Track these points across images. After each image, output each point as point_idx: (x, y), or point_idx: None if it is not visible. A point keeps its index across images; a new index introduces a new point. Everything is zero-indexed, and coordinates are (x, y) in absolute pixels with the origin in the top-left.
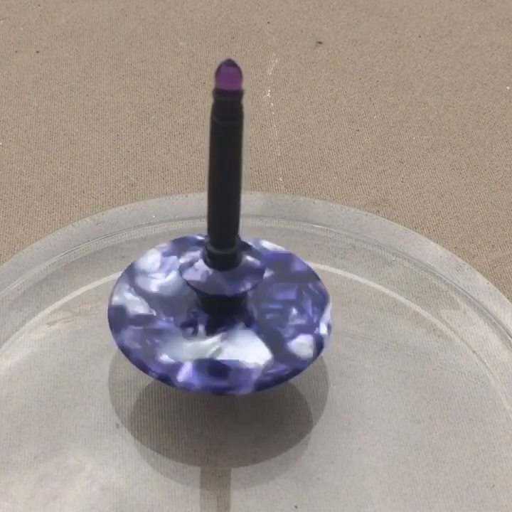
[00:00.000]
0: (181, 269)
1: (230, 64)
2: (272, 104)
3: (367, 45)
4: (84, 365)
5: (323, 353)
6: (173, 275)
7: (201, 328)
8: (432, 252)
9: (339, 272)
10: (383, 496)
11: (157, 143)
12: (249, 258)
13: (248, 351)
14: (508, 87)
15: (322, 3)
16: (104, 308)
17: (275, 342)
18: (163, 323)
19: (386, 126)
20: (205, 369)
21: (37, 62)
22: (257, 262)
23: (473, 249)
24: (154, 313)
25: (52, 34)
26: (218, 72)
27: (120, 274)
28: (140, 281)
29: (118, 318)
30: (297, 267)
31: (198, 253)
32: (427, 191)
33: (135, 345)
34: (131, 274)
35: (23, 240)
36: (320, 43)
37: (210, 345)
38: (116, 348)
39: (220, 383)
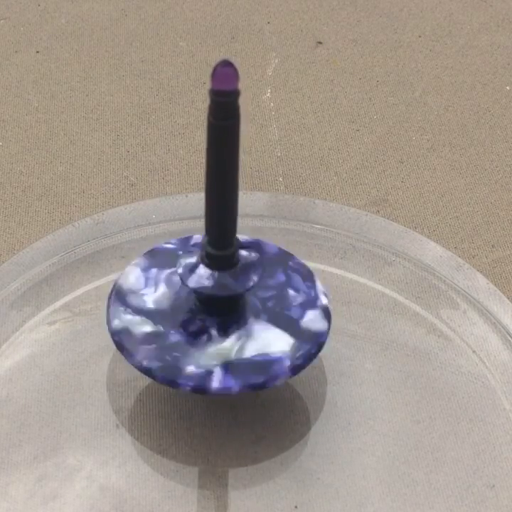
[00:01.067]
0: (184, 279)
1: (225, 64)
2: (271, 104)
3: (367, 45)
4: (84, 365)
5: (323, 353)
6: (162, 288)
7: (214, 332)
8: (432, 252)
9: (339, 271)
10: (383, 496)
11: (157, 143)
12: (243, 253)
13: (270, 341)
14: (508, 87)
15: (322, 3)
16: (105, 308)
17: (289, 325)
18: (175, 336)
19: (386, 126)
20: (237, 369)
21: (37, 62)
22: (253, 254)
23: (473, 249)
24: (161, 328)
25: (52, 34)
26: (214, 72)
27: (109, 298)
28: (132, 300)
29: (125, 340)
30: (270, 250)
31: (192, 259)
32: (427, 191)
33: (156, 364)
34: (120, 295)
35: (23, 240)
36: (320, 43)
37: (231, 346)
38: (116, 348)
39: (257, 379)
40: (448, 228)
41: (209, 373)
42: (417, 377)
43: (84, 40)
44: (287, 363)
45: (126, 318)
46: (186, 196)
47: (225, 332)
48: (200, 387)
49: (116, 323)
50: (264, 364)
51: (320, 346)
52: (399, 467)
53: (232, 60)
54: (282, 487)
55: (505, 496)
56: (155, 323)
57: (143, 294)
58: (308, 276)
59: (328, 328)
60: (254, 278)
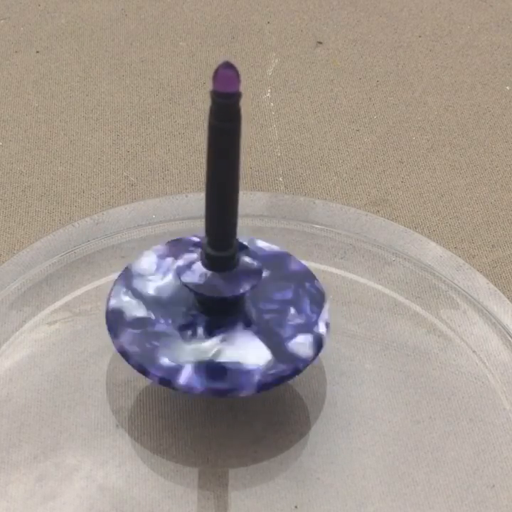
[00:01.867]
0: (179, 272)
1: (227, 66)
2: (271, 104)
3: (367, 45)
4: (84, 365)
5: (323, 353)
6: (169, 277)
7: (200, 330)
8: (432, 252)
9: (339, 271)
10: (383, 496)
11: (157, 143)
12: (246, 259)
13: (248, 352)
14: (508, 87)
15: (322, 3)
16: (104, 309)
17: (275, 342)
18: (161, 325)
19: (386, 126)
20: (206, 371)
21: (37, 62)
22: (255, 263)
23: (473, 249)
24: (152, 315)
25: (52, 34)
26: (216, 74)
27: (117, 276)
28: (137, 283)
29: (116, 321)
30: (293, 267)
31: (195, 255)
32: (427, 191)
33: (134, 349)
34: (127, 276)
35: (23, 240)
36: (320, 43)
37: (210, 347)
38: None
39: (222, 385)
40: (448, 228)
41: (179, 369)
42: (417, 377)
43: (84, 40)
44: (256, 378)
45: (123, 300)
46: (186, 196)
47: (210, 332)
48: (166, 380)
49: (113, 302)
50: (234, 373)
51: (296, 371)
52: (399, 467)
53: (233, 61)
54: (282, 487)
55: (505, 496)
56: (148, 309)
57: (149, 280)
58: (318, 301)
59: (313, 358)
60: (246, 286)
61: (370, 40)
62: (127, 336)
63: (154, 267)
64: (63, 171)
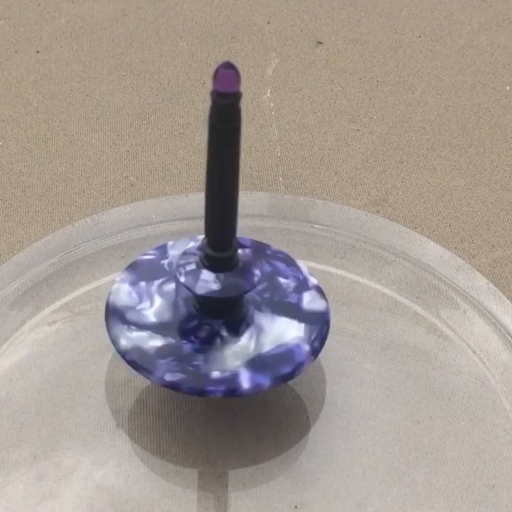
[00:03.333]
0: (190, 287)
1: (227, 66)
2: (271, 104)
3: (367, 45)
4: (84, 365)
5: (323, 353)
6: (157, 299)
7: (225, 333)
8: (432, 252)
9: (339, 271)
10: (383, 496)
11: (157, 143)
12: (239, 251)
13: (281, 331)
14: (508, 87)
15: (322, 3)
16: (104, 308)
17: (293, 312)
18: (188, 345)
19: (386, 126)
20: (261, 366)
21: (37, 62)
22: (247, 251)
23: (473, 249)
24: (172, 340)
25: (52, 34)
26: (216, 74)
27: (106, 320)
28: (132, 317)
29: (141, 358)
30: (246, 243)
31: (191, 265)
32: (427, 191)
33: (179, 376)
34: (118, 314)
35: (23, 240)
36: (320, 43)
37: (247, 344)
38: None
39: (286, 369)
40: (448, 228)
41: (235, 375)
42: (417, 377)
43: (84, 40)
44: (306, 347)
45: (132, 336)
46: (186, 196)
47: (235, 332)
48: (231, 390)
49: (123, 343)
50: (286, 354)
51: (328, 324)
52: (399, 467)
53: (234, 61)
54: (282, 487)
55: (505, 496)
56: (163, 335)
57: (141, 309)
58: (290, 261)
59: (328, 305)
60: (258, 273)
61: (370, 40)
62: (163, 368)
63: (134, 295)
64: (63, 171)
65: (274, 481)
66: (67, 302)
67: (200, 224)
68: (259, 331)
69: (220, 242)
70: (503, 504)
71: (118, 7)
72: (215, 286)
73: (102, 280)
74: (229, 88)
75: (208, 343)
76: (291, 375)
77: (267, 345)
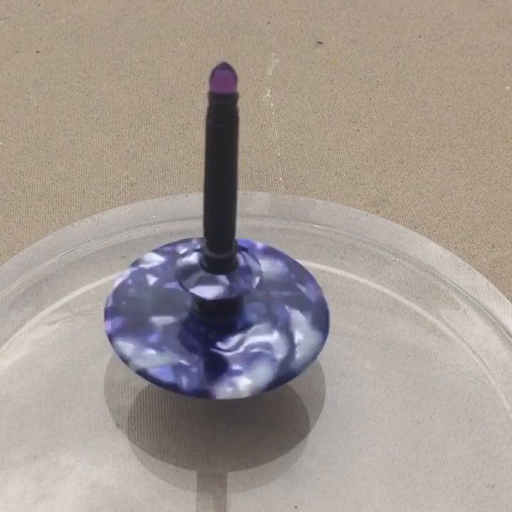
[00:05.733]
0: (190, 290)
1: (224, 67)
2: (271, 104)
3: (367, 45)
4: (84, 365)
5: (323, 353)
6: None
7: (223, 334)
8: (432, 252)
9: (339, 271)
10: (383, 496)
11: (157, 143)
12: (245, 259)
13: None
14: (508, 87)
15: (322, 3)
16: (103, 308)
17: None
18: (187, 347)
19: (386, 126)
20: (261, 366)
21: (37, 62)
22: (255, 264)
23: (473, 249)
24: (185, 362)
25: (52, 34)
26: (213, 75)
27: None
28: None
29: (160, 381)
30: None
31: (189, 268)
32: (427, 191)
33: (181, 379)
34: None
35: (23, 240)
36: (320, 43)
37: (246, 345)
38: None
39: (283, 371)
40: (448, 228)
41: (236, 378)
42: (417, 377)
43: (84, 40)
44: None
45: (147, 353)
46: (186, 196)
47: (234, 332)
48: (230, 392)
49: (139, 362)
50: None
51: (327, 313)
52: (399, 467)
53: (233, 61)
54: (282, 487)
55: (505, 496)
56: (181, 355)
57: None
58: (266, 250)
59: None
60: (258, 272)
61: (370, 40)
62: (184, 379)
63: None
64: (63, 171)
65: (274, 481)
66: (67, 302)
67: (201, 224)
68: (258, 331)
69: (220, 244)
70: (503, 504)
71: (118, 7)
72: (215, 289)
73: (102, 280)
74: (226, 89)
75: (206, 345)
76: (288, 377)
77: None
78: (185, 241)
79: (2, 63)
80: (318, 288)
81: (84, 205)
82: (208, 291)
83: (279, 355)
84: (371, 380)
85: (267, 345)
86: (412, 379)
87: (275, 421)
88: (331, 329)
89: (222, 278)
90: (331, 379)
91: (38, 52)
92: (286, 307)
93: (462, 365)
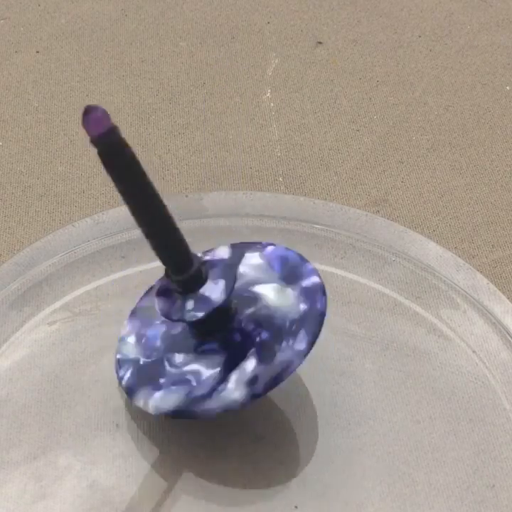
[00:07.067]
0: (167, 314)
1: (91, 110)
2: (272, 104)
3: (367, 45)
4: (84, 365)
5: (323, 353)
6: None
7: (220, 349)
8: (432, 252)
9: (339, 271)
10: (383, 496)
11: (157, 143)
12: (208, 258)
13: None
14: (508, 87)
15: (322, 3)
16: (105, 308)
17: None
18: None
19: (386, 126)
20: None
21: (37, 62)
22: (219, 259)
23: (473, 249)
24: (192, 382)
25: (52, 34)
26: (85, 121)
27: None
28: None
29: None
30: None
31: (164, 294)
32: (427, 191)
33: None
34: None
35: (23, 240)
36: (320, 43)
37: (242, 358)
38: (116, 347)
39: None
40: (448, 228)
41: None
42: (417, 377)
43: (84, 40)
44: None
45: (156, 397)
46: (186, 196)
47: (230, 345)
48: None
49: (153, 403)
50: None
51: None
52: (399, 467)
53: (234, 61)
54: (282, 487)
55: (505, 496)
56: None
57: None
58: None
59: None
60: (227, 290)
61: (370, 40)
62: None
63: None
64: (63, 171)
65: (274, 481)
66: (67, 302)
67: (200, 224)
68: (254, 343)
69: (178, 266)
70: (503, 504)
71: (118, 7)
72: (184, 311)
73: (102, 280)
74: (102, 128)
75: (204, 361)
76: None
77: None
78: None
79: (2, 63)
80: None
81: (84, 205)
82: (179, 315)
83: (197, 393)
84: (371, 380)
85: (197, 378)
86: (412, 379)
87: (275, 421)
88: (330, 330)
89: (191, 297)
90: (331, 379)
91: (38, 52)
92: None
93: (462, 365)
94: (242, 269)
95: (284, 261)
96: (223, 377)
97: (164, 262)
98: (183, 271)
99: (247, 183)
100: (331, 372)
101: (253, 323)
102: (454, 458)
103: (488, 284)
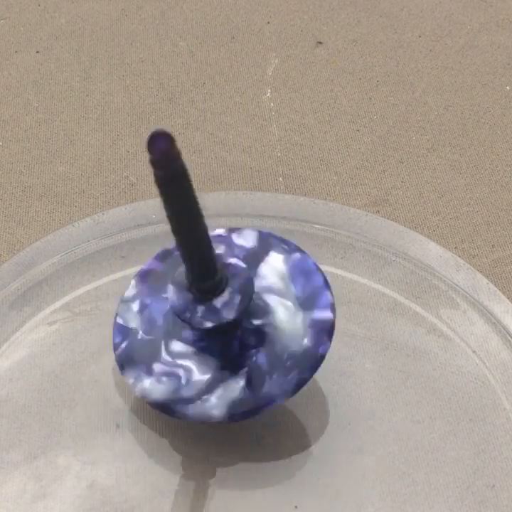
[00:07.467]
0: (186, 320)
1: (159, 134)
2: (272, 104)
3: (367, 45)
4: (84, 365)
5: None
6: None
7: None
8: (432, 252)
9: (339, 271)
10: (383, 496)
11: None
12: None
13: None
14: (508, 87)
15: (322, 3)
16: (105, 308)
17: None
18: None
19: (386, 126)
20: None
21: (37, 62)
22: (242, 268)
23: (473, 249)
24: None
25: (52, 34)
26: (150, 147)
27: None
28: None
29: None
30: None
31: (180, 296)
32: (427, 191)
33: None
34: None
35: (23, 240)
36: (320, 43)
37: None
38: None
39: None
40: (448, 228)
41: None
42: (417, 377)
43: (84, 40)
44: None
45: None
46: None
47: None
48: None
49: (139, 387)
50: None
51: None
52: (399, 467)
53: (234, 61)
54: (282, 487)
55: (505, 496)
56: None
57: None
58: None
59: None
60: (242, 305)
61: (370, 40)
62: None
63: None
64: (63, 171)
65: (274, 481)
66: (67, 302)
67: None
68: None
69: (203, 275)
70: (503, 504)
71: (118, 7)
72: (194, 314)
73: (102, 280)
74: (168, 155)
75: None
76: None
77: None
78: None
79: (2, 63)
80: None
81: (84, 205)
82: (200, 323)
83: (186, 393)
84: (371, 380)
85: (188, 373)
86: (412, 379)
87: (275, 421)
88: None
89: (208, 305)
90: (331, 379)
91: (38, 52)
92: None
93: (462, 365)
94: (263, 268)
95: (307, 279)
96: (210, 388)
97: (190, 271)
98: (206, 280)
99: (247, 183)
100: (331, 372)
101: (255, 339)
102: (454, 458)
103: (488, 284)
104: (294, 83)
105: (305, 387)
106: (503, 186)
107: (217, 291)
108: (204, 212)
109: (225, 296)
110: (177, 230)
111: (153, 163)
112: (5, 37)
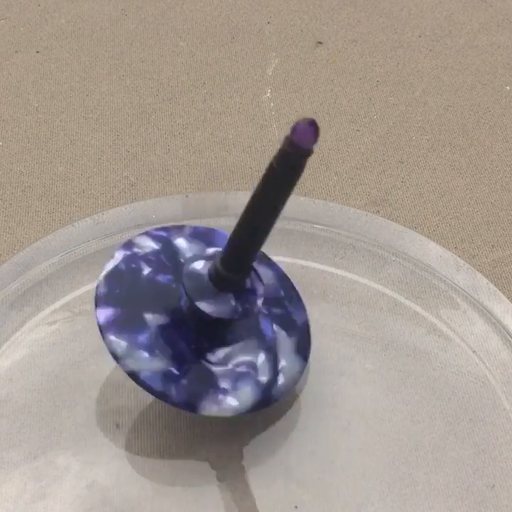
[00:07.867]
0: (203, 310)
1: (310, 123)
2: (272, 104)
3: (367, 45)
4: (84, 365)
5: (323, 353)
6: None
7: (225, 351)
8: (432, 252)
9: (339, 271)
10: (383, 496)
11: (157, 143)
12: (253, 280)
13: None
14: (508, 87)
15: (322, 3)
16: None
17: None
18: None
19: (386, 126)
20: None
21: (37, 62)
22: (261, 286)
23: (473, 249)
24: (174, 370)
25: (52, 34)
26: (297, 128)
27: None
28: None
29: (165, 381)
30: (218, 241)
31: (198, 288)
32: (427, 191)
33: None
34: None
35: (23, 240)
36: (320, 43)
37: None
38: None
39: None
40: (448, 228)
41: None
42: (417, 377)
43: (84, 40)
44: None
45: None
46: (186, 196)
47: (224, 346)
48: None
49: (129, 363)
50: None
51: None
52: (399, 467)
53: (233, 61)
54: (282, 487)
55: (505, 496)
56: (172, 362)
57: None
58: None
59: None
60: (261, 293)
61: (370, 40)
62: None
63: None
64: (63, 171)
65: (274, 481)
66: (67, 302)
67: (200, 224)
68: (246, 348)
69: (239, 267)
70: (503, 504)
71: (118, 7)
72: (221, 308)
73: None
74: (306, 144)
75: (196, 355)
76: (268, 403)
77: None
78: (178, 228)
79: (2, 63)
80: (304, 310)
81: (84, 205)
82: (213, 309)
83: (264, 379)
84: (371, 380)
85: (253, 366)
86: (412, 379)
87: (275, 421)
88: (329, 331)
89: (229, 297)
90: (331, 379)
91: (38, 52)
92: (275, 327)
93: (462, 365)
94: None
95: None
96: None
97: (233, 258)
98: (239, 272)
99: (247, 183)
100: (331, 372)
101: (278, 321)
102: (454, 458)
103: (488, 284)
104: (294, 83)
105: (305, 387)
106: (503, 186)
107: (238, 287)
108: (204, 213)
109: (241, 297)
110: (256, 213)
111: (292, 143)
112: (5, 37)
